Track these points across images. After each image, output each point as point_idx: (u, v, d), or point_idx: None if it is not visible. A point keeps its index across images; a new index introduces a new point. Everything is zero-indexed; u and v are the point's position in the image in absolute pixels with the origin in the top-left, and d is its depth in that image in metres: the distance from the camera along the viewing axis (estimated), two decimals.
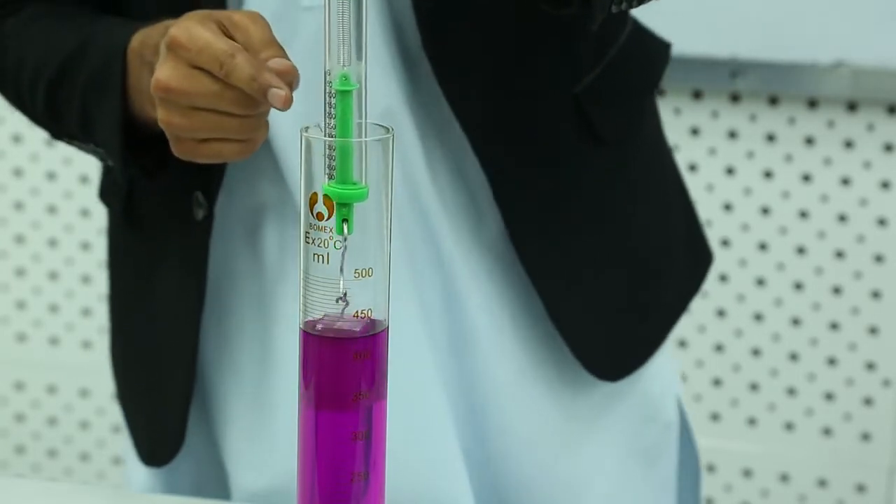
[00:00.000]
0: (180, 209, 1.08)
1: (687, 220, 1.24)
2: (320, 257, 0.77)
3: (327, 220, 0.76)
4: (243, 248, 1.10)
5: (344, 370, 0.78)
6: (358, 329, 0.78)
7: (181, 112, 0.91)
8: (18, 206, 2.34)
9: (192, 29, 0.89)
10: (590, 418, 1.15)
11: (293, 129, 1.02)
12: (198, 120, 0.91)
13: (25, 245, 2.35)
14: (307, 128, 0.77)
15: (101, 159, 1.08)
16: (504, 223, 1.07)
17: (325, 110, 0.77)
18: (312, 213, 0.77)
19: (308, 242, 0.77)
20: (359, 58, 0.76)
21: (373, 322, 0.78)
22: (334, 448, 0.78)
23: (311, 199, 0.77)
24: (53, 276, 2.36)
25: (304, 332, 0.78)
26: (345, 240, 0.76)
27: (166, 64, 0.90)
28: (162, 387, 1.13)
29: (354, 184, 0.76)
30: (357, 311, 0.77)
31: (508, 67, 1.06)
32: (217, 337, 1.12)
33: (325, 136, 0.76)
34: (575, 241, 1.11)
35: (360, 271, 0.77)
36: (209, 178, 1.06)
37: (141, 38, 1.00)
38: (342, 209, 0.76)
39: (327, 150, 0.76)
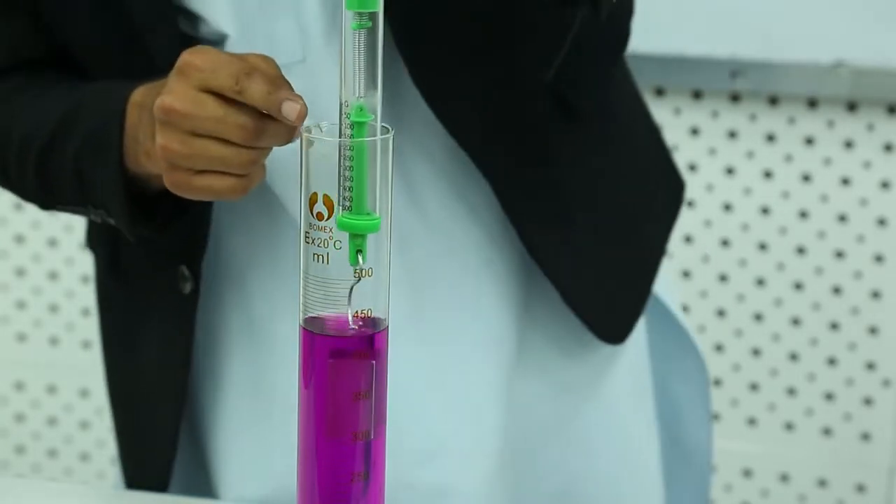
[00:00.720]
0: (165, 275, 1.08)
1: (661, 156, 1.25)
2: (320, 257, 0.77)
3: (327, 219, 0.77)
4: (233, 301, 1.10)
5: (344, 369, 0.78)
6: (358, 328, 0.78)
7: (181, 138, 0.90)
8: (18, 206, 2.34)
9: (208, 52, 0.90)
10: (590, 385, 1.16)
11: (285, 174, 1.02)
12: (197, 147, 0.90)
13: (25, 245, 2.35)
14: (308, 128, 0.78)
15: (101, 220, 1.06)
16: (504, 212, 1.07)
17: (340, 143, 0.76)
18: (312, 213, 0.77)
19: (308, 242, 0.77)
20: (374, 88, 0.76)
21: (373, 321, 0.78)
22: (334, 448, 0.78)
23: (310, 199, 0.77)
24: (53, 276, 2.35)
25: (304, 330, 0.78)
26: (360, 271, 0.76)
27: (173, 86, 0.90)
28: (147, 432, 1.14)
29: (368, 214, 0.76)
30: (357, 311, 0.77)
31: (485, 65, 1.06)
32: (211, 373, 1.12)
33: (339, 169, 0.76)
34: (572, 216, 1.11)
35: (360, 271, 0.77)
36: (193, 251, 1.06)
37: (145, 90, 0.99)
38: (356, 240, 0.76)
39: (343, 181, 0.76)
